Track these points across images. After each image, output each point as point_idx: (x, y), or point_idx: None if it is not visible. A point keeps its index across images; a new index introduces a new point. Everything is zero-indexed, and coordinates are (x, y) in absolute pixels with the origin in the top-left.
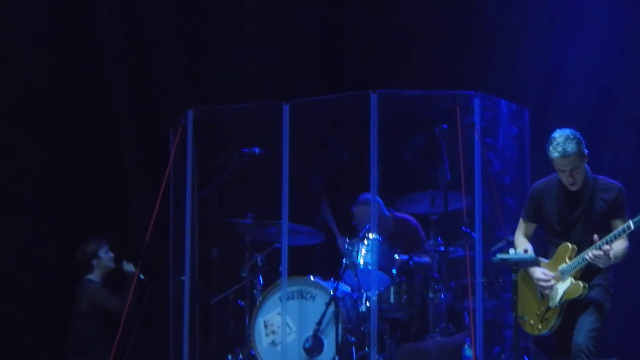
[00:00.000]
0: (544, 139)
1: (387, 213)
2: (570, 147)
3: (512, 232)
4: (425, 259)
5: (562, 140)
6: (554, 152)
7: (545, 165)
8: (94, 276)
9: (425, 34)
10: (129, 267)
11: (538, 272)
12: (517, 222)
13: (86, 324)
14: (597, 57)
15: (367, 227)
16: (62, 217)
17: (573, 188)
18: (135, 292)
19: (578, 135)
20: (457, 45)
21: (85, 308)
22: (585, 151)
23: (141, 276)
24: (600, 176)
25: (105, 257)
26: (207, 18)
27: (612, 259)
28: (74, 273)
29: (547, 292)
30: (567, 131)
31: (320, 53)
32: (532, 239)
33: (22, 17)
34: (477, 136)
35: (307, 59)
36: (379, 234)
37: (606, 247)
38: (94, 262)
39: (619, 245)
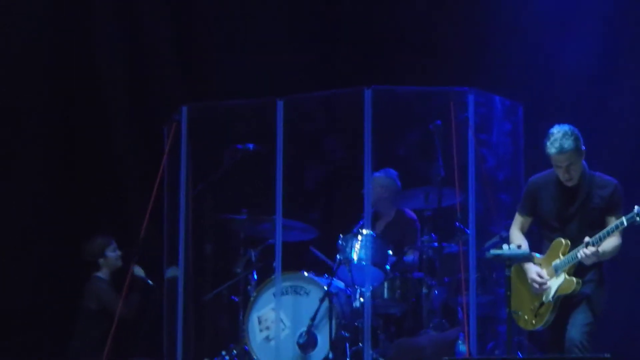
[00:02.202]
0: (538, 135)
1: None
2: (568, 143)
3: (506, 228)
4: (411, 257)
5: (559, 137)
6: (551, 148)
7: (540, 161)
8: (102, 274)
9: (418, 30)
10: (139, 271)
11: (532, 272)
12: (510, 218)
13: (94, 322)
14: (591, 52)
15: (360, 222)
16: (57, 216)
17: (569, 184)
18: (143, 298)
19: (576, 132)
20: (451, 41)
21: (94, 306)
22: (583, 147)
23: (150, 282)
24: (597, 172)
25: (112, 255)
26: (201, 15)
27: (600, 257)
28: (80, 270)
29: (540, 291)
30: (565, 127)
31: (314, 49)
32: (525, 235)
33: (19, 16)
34: (470, 132)
35: (301, 55)
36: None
37: (592, 248)
38: (101, 261)
39: (610, 243)
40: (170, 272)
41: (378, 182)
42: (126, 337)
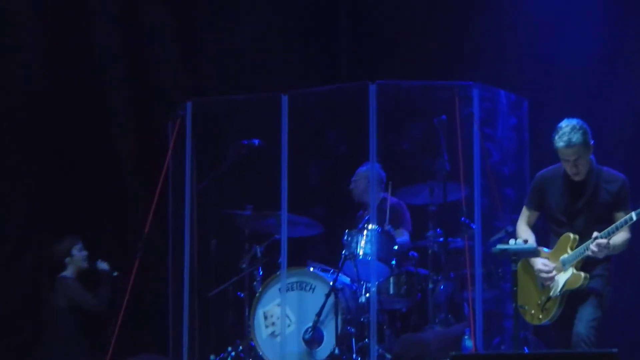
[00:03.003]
0: (543, 129)
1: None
2: (576, 137)
3: (512, 222)
4: (402, 238)
5: (568, 130)
6: (559, 142)
7: (544, 155)
8: (68, 273)
9: (423, 24)
10: (102, 265)
11: (539, 263)
12: (516, 213)
13: (63, 320)
14: (596, 47)
15: (366, 217)
16: (61, 212)
17: (576, 178)
18: (109, 289)
19: (585, 126)
20: (456, 35)
21: (62, 305)
22: (591, 142)
23: (115, 273)
24: (605, 167)
25: (79, 255)
26: (204, 9)
27: (610, 250)
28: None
29: (547, 283)
30: (573, 121)
31: (318, 44)
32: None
33: (17, 10)
34: (475, 127)
35: (305, 50)
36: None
37: (601, 241)
38: (67, 260)
39: (619, 237)
40: (101, 265)
41: (363, 174)
42: (129, 333)
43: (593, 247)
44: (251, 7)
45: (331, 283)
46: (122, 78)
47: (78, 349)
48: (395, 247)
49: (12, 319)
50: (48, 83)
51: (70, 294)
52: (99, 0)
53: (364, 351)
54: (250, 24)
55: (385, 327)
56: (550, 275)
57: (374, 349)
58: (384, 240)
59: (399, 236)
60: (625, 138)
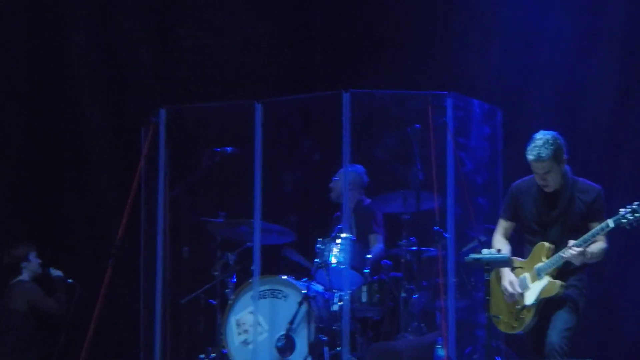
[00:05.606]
0: (517, 138)
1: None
2: (546, 152)
3: (485, 232)
4: (377, 247)
5: (540, 144)
6: (530, 154)
7: (518, 165)
8: (25, 277)
9: (397, 33)
10: (56, 272)
11: (506, 280)
12: (488, 222)
13: (20, 323)
14: (569, 57)
15: (338, 226)
16: (32, 218)
17: (546, 190)
18: (66, 295)
19: (559, 141)
20: (430, 45)
21: (19, 308)
22: (565, 156)
23: (69, 280)
24: (580, 178)
25: (34, 261)
26: (178, 17)
27: (588, 256)
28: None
29: (509, 300)
30: (548, 135)
31: (293, 52)
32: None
33: None
34: (449, 136)
35: (279, 58)
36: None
37: (579, 249)
38: (24, 264)
39: (597, 246)
40: (54, 272)
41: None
42: (101, 340)
43: (570, 252)
44: (226, 15)
45: (304, 291)
46: (97, 84)
47: (33, 353)
48: (369, 256)
49: None
50: (22, 88)
51: (32, 297)
52: (75, 6)
53: (336, 359)
54: (226, 32)
55: (357, 335)
56: (513, 299)
57: (346, 357)
58: (357, 248)
59: (373, 243)
60: (598, 147)
